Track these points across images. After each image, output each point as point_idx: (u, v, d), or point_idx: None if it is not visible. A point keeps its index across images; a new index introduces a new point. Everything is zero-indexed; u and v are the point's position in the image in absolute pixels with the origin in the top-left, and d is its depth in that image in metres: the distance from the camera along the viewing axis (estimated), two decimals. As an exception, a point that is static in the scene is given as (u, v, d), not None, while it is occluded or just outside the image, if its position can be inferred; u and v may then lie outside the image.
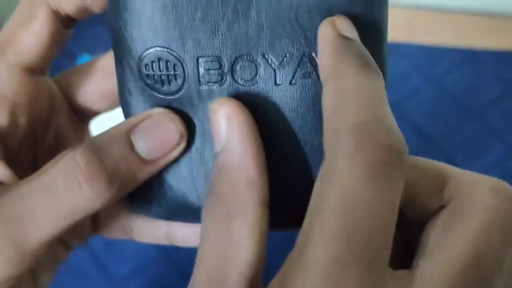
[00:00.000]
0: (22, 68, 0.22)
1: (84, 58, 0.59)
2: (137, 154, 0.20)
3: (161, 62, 0.20)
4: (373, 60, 0.18)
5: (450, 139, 0.53)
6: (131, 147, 0.20)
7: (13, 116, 0.22)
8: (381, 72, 0.18)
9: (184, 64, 0.20)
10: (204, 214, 0.19)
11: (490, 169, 0.51)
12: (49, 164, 0.20)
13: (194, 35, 0.20)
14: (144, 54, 0.20)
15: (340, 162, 0.16)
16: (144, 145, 0.20)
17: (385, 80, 0.19)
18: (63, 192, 0.19)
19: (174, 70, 0.20)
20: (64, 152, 0.20)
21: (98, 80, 0.25)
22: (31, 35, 0.22)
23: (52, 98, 0.24)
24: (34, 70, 0.23)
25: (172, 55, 0.20)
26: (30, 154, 0.24)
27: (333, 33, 0.19)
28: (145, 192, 0.22)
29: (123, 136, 0.20)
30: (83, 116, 0.26)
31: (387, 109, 0.17)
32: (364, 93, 0.17)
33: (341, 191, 0.16)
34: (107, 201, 0.20)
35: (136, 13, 0.20)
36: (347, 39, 0.18)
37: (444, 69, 0.57)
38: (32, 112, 0.23)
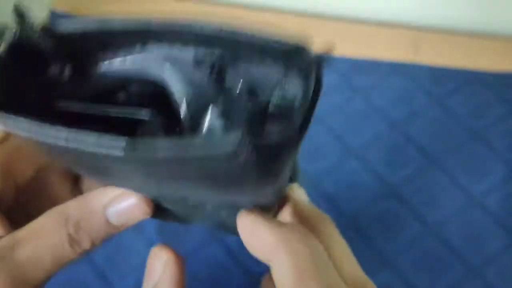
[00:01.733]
0: None
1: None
2: (111, 224, 0.26)
3: None
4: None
5: (453, 159, 0.53)
6: (107, 220, 0.25)
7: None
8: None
9: None
10: None
11: (493, 190, 0.51)
12: (40, 221, 0.25)
13: None
14: None
15: None
16: (115, 218, 0.25)
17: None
18: (54, 249, 0.24)
19: None
20: (53, 213, 0.25)
21: None
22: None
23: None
24: None
25: None
26: (24, 210, 0.28)
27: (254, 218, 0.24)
28: None
29: (101, 212, 0.25)
30: None
31: (333, 272, 0.22)
32: (318, 266, 0.21)
33: None
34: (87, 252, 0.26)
35: None
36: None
37: (449, 89, 0.57)
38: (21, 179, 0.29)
